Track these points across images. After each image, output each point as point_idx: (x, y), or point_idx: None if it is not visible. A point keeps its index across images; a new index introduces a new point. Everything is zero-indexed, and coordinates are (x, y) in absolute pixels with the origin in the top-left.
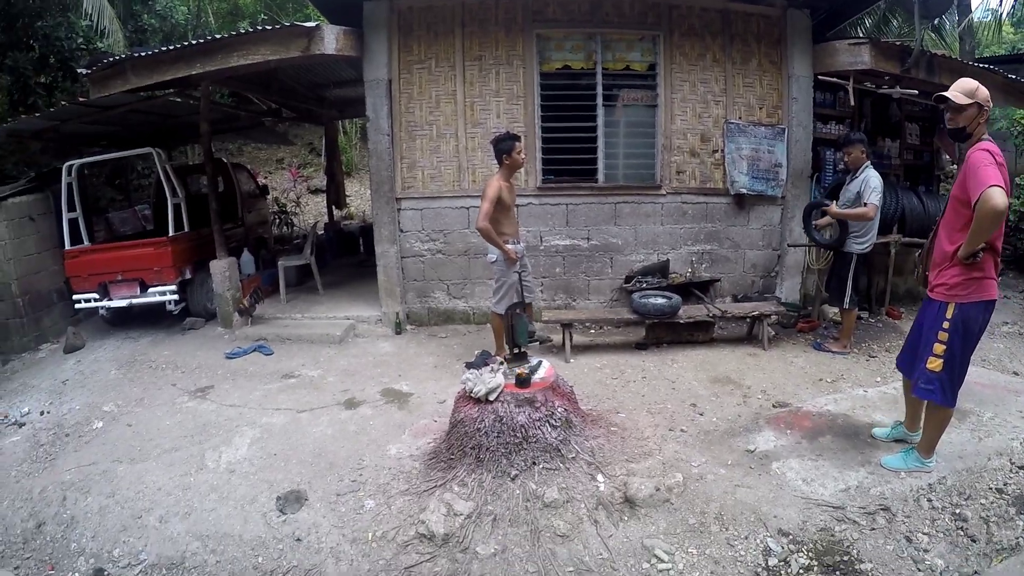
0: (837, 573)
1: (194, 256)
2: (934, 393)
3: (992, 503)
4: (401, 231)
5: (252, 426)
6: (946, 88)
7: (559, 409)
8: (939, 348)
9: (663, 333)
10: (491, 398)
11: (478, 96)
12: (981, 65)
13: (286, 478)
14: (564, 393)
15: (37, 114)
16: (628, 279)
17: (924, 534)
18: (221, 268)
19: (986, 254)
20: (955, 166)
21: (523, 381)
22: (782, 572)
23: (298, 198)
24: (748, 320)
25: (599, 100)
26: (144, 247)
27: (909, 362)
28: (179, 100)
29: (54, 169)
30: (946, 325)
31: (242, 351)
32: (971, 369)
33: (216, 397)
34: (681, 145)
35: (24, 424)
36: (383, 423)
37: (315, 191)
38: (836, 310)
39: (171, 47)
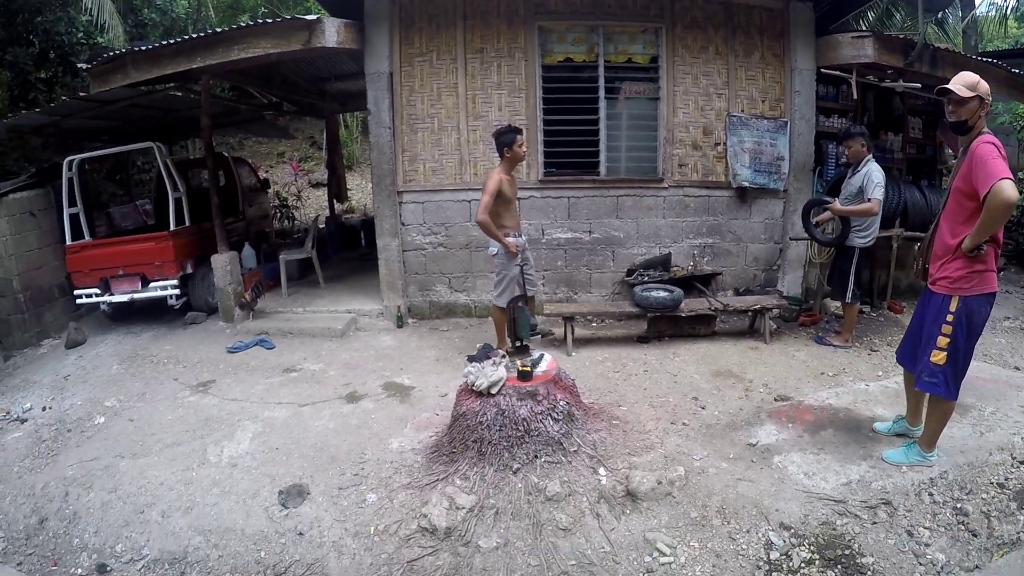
0: (839, 567)
1: (195, 250)
2: (938, 386)
3: (993, 498)
4: (403, 224)
5: (254, 420)
6: (949, 81)
7: (561, 402)
8: (943, 341)
9: (665, 326)
10: (493, 391)
11: (480, 89)
12: (985, 59)
13: (288, 472)
14: (566, 386)
15: (37, 109)
16: (630, 272)
17: (925, 528)
18: (222, 262)
19: (989, 246)
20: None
21: (525, 374)
22: (784, 566)
23: (299, 192)
24: (750, 314)
25: (601, 93)
26: (145, 242)
27: (909, 355)
28: (180, 94)
29: (55, 164)
30: (950, 318)
31: (244, 345)
32: (973, 364)
33: (218, 391)
34: (683, 138)
35: (26, 420)
36: (385, 417)
37: (316, 185)
38: (838, 304)
39: (171, 41)
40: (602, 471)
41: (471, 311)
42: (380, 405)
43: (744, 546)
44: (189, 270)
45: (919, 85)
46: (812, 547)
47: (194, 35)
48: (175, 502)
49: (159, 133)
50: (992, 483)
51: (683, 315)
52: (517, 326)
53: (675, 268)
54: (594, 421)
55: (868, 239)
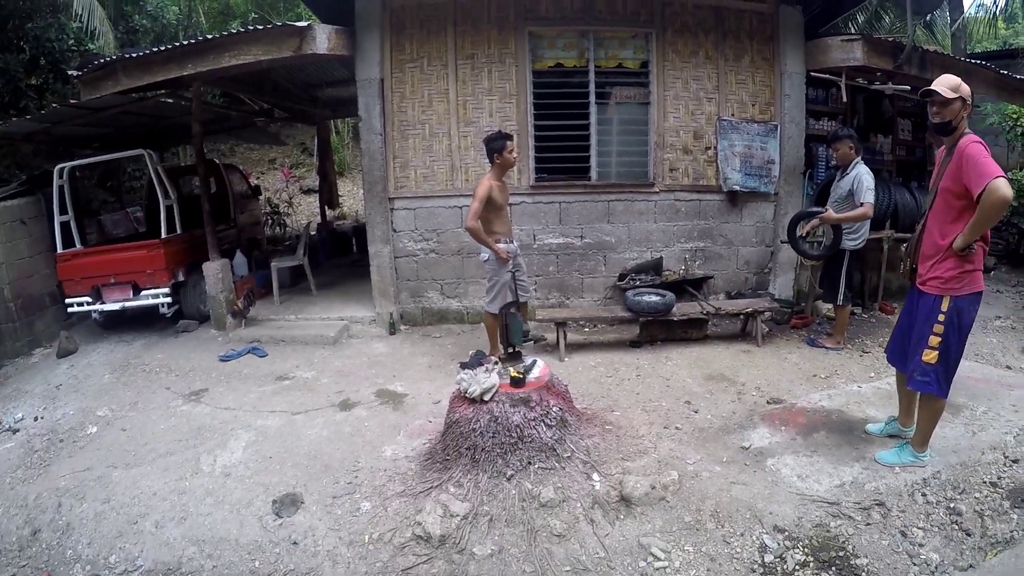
0: (833, 569)
1: (187, 258)
2: (930, 385)
3: (986, 497)
4: (394, 231)
5: (247, 429)
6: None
7: (554, 408)
8: (935, 340)
9: (657, 331)
10: (486, 398)
11: (471, 95)
12: (973, 61)
13: (281, 481)
14: (559, 392)
15: (28, 116)
16: (622, 277)
17: (919, 528)
18: (214, 270)
19: (978, 245)
20: None
21: (518, 381)
22: (778, 568)
23: (290, 198)
24: (742, 317)
25: (592, 98)
26: (137, 250)
27: (899, 355)
28: (171, 101)
29: (45, 172)
30: (941, 318)
31: (236, 353)
32: (964, 363)
33: (210, 400)
34: (674, 142)
35: (18, 430)
36: (378, 424)
37: (307, 191)
38: (829, 306)
39: (162, 48)
40: (596, 477)
41: (463, 317)
42: (373, 412)
43: (738, 549)
44: (181, 278)
45: (908, 87)
46: (806, 549)
47: (185, 42)
48: (168, 512)
49: (150, 140)
50: (985, 482)
51: (675, 319)
52: (509, 332)
53: (667, 272)
54: (587, 426)
55: (858, 241)
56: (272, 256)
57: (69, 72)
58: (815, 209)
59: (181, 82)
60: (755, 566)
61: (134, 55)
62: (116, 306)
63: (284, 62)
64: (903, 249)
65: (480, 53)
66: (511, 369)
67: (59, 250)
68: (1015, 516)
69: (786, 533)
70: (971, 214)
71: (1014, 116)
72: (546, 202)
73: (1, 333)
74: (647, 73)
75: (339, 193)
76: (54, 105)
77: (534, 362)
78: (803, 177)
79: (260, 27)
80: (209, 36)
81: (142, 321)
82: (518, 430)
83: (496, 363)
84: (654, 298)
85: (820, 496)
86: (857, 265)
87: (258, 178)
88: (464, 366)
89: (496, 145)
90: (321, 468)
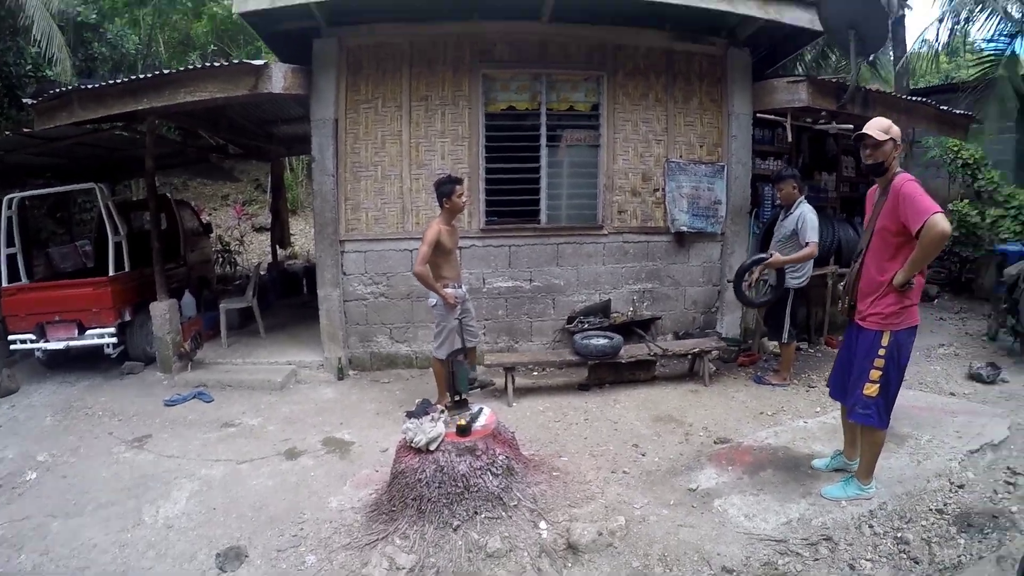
0: None
1: (135, 297)
2: (871, 417)
3: (933, 524)
4: (344, 274)
5: (191, 478)
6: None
7: (500, 457)
8: (875, 374)
9: (605, 373)
10: (432, 448)
11: (423, 137)
12: (914, 99)
13: (225, 533)
14: (505, 440)
15: None
16: (570, 319)
17: (867, 560)
18: (161, 311)
19: (917, 280)
20: None
21: (464, 430)
22: None
23: (242, 236)
24: (689, 357)
25: (543, 141)
26: (83, 287)
27: (840, 388)
28: (125, 134)
29: None
30: (882, 352)
31: (181, 398)
32: (909, 393)
33: (154, 447)
34: (623, 185)
35: None
36: (324, 474)
37: (260, 229)
38: (776, 343)
39: (119, 80)
40: (543, 524)
41: (412, 362)
42: (319, 462)
43: None
44: (127, 317)
45: (851, 126)
46: None
47: (141, 75)
48: (109, 566)
49: (104, 171)
50: (931, 510)
51: (623, 361)
52: (456, 380)
53: (615, 314)
54: (534, 473)
55: (802, 280)
56: (222, 296)
57: (24, 100)
58: (759, 256)
59: (136, 115)
60: None
61: (90, 87)
62: (60, 345)
63: (240, 100)
64: (841, 287)
65: (434, 95)
66: (457, 418)
67: (4, 284)
68: (962, 541)
69: (734, 573)
70: (909, 250)
71: (955, 148)
72: (496, 245)
73: None
74: (598, 116)
75: (291, 232)
76: (7, 133)
77: (480, 410)
78: (749, 216)
79: (216, 64)
80: (166, 71)
81: (87, 361)
82: (464, 479)
83: (442, 412)
84: (602, 341)
85: (767, 534)
86: (802, 301)
87: (210, 214)
88: (410, 415)
89: (445, 189)
90: (266, 520)
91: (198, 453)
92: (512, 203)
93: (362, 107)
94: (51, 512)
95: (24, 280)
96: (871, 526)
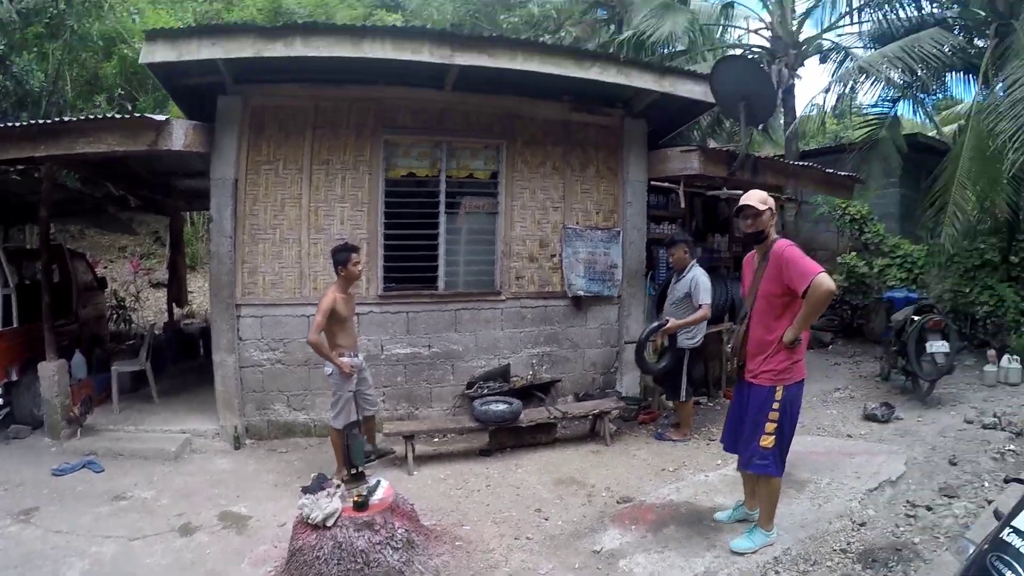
0: None
1: (22, 355)
2: (769, 467)
3: (838, 563)
4: (240, 339)
5: (81, 556)
6: (767, 186)
7: (400, 530)
8: (771, 427)
9: (506, 438)
10: (329, 524)
11: (323, 201)
12: (801, 164)
13: None
14: (405, 512)
15: None
16: (470, 385)
17: None
18: (50, 372)
19: (803, 336)
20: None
21: (361, 505)
22: None
23: (138, 292)
24: (590, 418)
25: (442, 208)
26: None
27: (734, 443)
28: (19, 178)
29: None
30: (776, 406)
31: (70, 467)
32: (807, 438)
33: (42, 521)
34: (520, 251)
35: None
36: (221, 551)
37: (157, 285)
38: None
39: (16, 124)
40: None
41: (311, 430)
42: (216, 538)
43: None
44: (14, 377)
45: (741, 192)
46: None
47: (41, 121)
48: None
49: None
50: (835, 550)
51: (524, 425)
52: (351, 454)
53: (514, 378)
54: (436, 545)
55: (696, 340)
56: (114, 356)
57: None
58: (656, 324)
59: (34, 160)
60: None
61: None
62: None
63: (139, 154)
64: (729, 348)
65: (336, 159)
66: (354, 492)
67: None
68: None
69: None
70: (794, 310)
71: (842, 205)
72: (394, 312)
73: None
74: (496, 184)
75: (189, 289)
76: None
77: (378, 483)
78: (645, 279)
79: (118, 116)
80: (66, 119)
81: None
82: (363, 555)
83: (339, 486)
84: (501, 407)
85: None
86: (698, 359)
87: (106, 267)
88: (306, 490)
89: (341, 257)
90: None
91: (88, 528)
92: (410, 269)
93: (263, 168)
94: None
95: None
96: (777, 572)
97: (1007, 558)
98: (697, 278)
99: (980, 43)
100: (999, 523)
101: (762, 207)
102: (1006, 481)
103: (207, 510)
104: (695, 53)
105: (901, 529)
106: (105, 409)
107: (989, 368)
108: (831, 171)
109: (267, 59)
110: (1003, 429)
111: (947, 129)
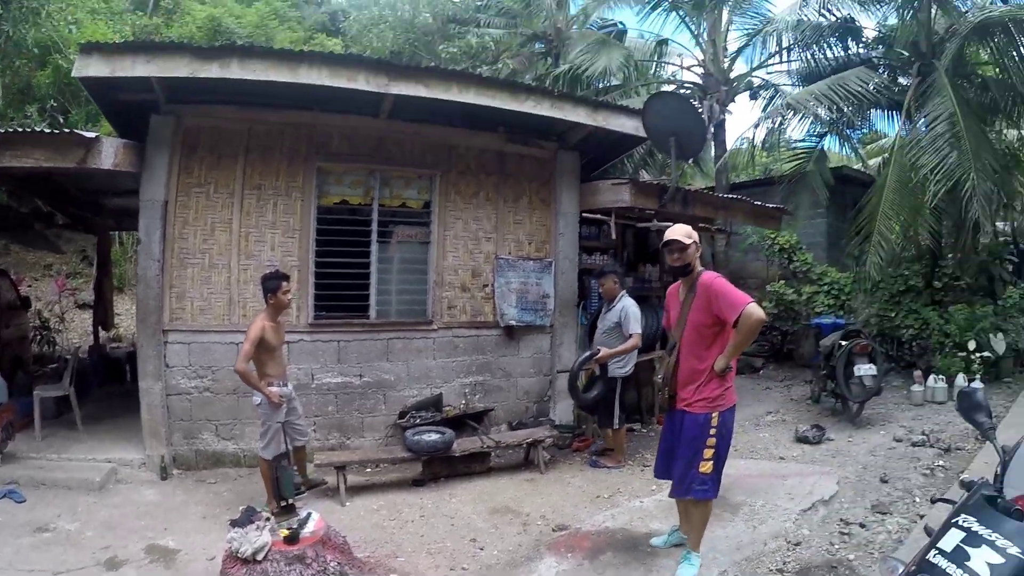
0: None
1: None
2: (709, 491)
3: None
4: (167, 366)
5: None
6: (697, 218)
7: (332, 563)
8: (709, 453)
9: (440, 468)
10: (259, 558)
11: (254, 227)
12: (730, 196)
13: None
14: (336, 545)
15: None
16: (402, 415)
17: None
18: None
19: (733, 363)
20: None
21: (291, 537)
22: None
23: (63, 313)
24: (524, 447)
25: (374, 236)
26: None
27: (668, 471)
28: None
29: None
30: (712, 432)
31: None
32: (740, 462)
33: None
34: (453, 281)
35: None
36: None
37: (83, 305)
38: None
39: None
40: None
41: (240, 460)
42: (143, 572)
43: None
44: None
45: (671, 224)
46: None
47: None
48: None
49: None
50: (772, 570)
51: (457, 455)
52: (281, 486)
53: (447, 408)
54: None
55: (627, 369)
56: (37, 380)
57: None
58: (588, 354)
59: None
60: None
61: None
62: None
63: (67, 171)
64: (660, 379)
65: (268, 184)
66: (284, 525)
67: None
68: None
69: None
70: (724, 339)
71: (771, 236)
72: (325, 340)
73: None
74: (429, 213)
75: (117, 312)
76: None
77: (309, 515)
78: (577, 308)
79: (46, 131)
80: None
81: None
82: None
83: (268, 519)
84: (434, 437)
85: None
86: (630, 386)
87: (31, 286)
88: (234, 523)
89: (271, 285)
90: None
91: (10, 562)
92: (342, 298)
93: (194, 191)
94: None
95: None
96: None
97: None
98: (627, 308)
99: (904, 81)
100: (927, 543)
101: (687, 241)
102: (932, 501)
103: (134, 543)
104: (630, 88)
105: (836, 547)
106: (27, 435)
107: (916, 388)
108: (760, 203)
109: (202, 80)
110: (932, 446)
111: (872, 162)
